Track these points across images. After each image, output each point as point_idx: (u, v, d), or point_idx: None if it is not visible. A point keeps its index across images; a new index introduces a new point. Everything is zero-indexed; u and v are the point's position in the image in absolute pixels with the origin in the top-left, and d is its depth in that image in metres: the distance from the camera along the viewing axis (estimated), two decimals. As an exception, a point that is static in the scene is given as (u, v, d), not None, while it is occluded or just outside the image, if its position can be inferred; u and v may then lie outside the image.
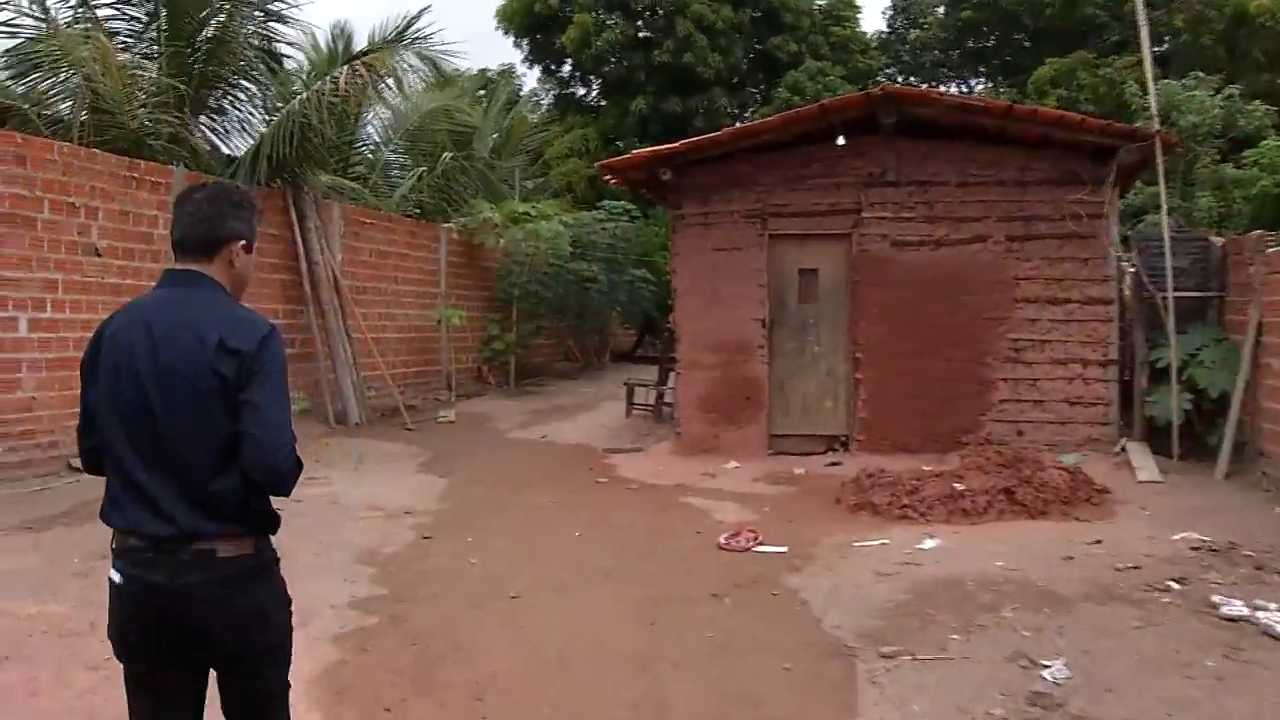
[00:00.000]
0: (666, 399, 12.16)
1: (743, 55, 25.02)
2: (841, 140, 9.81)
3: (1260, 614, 4.77)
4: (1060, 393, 9.51)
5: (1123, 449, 9.13)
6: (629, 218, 18.04)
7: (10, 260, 8.11)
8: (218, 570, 2.34)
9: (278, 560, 2.54)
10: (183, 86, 11.05)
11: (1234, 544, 6.16)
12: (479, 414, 13.51)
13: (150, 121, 10.67)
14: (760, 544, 6.71)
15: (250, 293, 2.76)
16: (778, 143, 10.09)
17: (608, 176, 11.68)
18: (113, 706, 3.47)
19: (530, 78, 29.08)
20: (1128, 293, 9.85)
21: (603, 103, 25.81)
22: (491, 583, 5.89)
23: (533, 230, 15.29)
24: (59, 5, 11.17)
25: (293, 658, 2.61)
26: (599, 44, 23.43)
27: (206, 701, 2.54)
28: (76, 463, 7.28)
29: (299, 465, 2.38)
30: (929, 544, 6.55)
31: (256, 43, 12.50)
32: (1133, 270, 9.81)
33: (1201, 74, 14.02)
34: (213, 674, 2.51)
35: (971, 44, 30.37)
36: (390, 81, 13.85)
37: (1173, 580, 5.46)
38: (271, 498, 2.45)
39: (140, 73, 11.10)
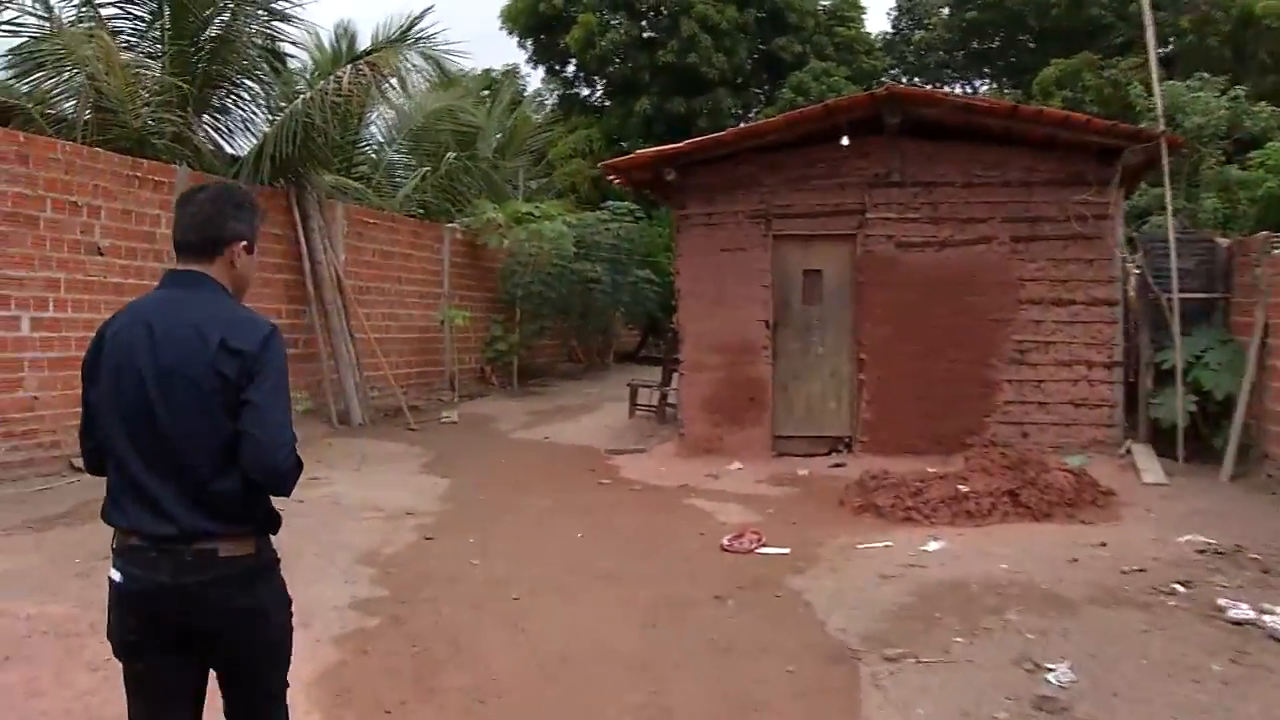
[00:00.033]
0: (670, 400, 12.13)
1: (747, 56, 24.99)
2: (846, 141, 9.76)
3: (1267, 618, 4.74)
4: (1065, 394, 9.48)
5: (1128, 451, 9.10)
6: (633, 218, 18.03)
7: (13, 259, 8.10)
8: (219, 570, 2.35)
9: (278, 561, 2.54)
10: (186, 85, 11.05)
11: (1240, 547, 6.13)
12: (482, 414, 13.50)
13: (153, 120, 10.67)
14: (763, 546, 6.68)
15: (253, 292, 2.76)
16: (782, 143, 10.06)
17: (612, 176, 11.65)
18: (112, 707, 3.46)
19: (534, 78, 29.16)
20: (1132, 294, 9.81)
21: (607, 103, 25.82)
22: (493, 584, 5.87)
23: (536, 231, 15.29)
24: (62, 4, 11.19)
25: (292, 659, 2.61)
26: (603, 44, 23.43)
27: (206, 701, 2.54)
28: (79, 462, 7.28)
29: (299, 465, 2.38)
30: (933, 546, 6.52)
31: (260, 42, 12.49)
32: (1138, 272, 9.78)
33: (1207, 75, 14.01)
34: (213, 674, 2.52)
35: (976, 45, 30.34)
36: (394, 81, 13.86)
37: (1179, 583, 5.42)
38: (273, 498, 2.45)
39: (144, 72, 11.08)
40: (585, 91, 26.99)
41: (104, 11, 11.62)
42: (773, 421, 10.14)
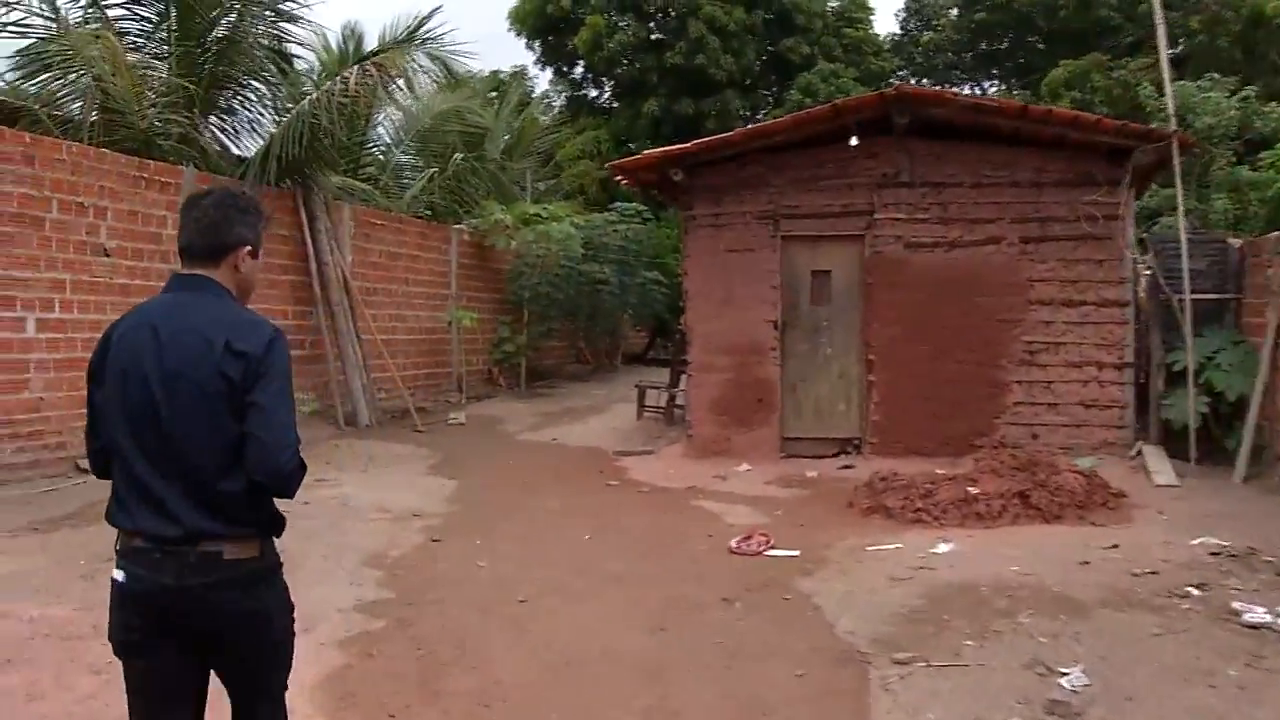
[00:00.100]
0: (678, 401, 12.10)
1: (755, 57, 24.93)
2: (854, 141, 9.72)
3: (1283, 621, 4.68)
4: (1075, 396, 9.43)
5: (1139, 452, 9.03)
6: (641, 219, 17.98)
7: (18, 260, 8.10)
8: (223, 573, 2.36)
9: (281, 564, 2.56)
10: (193, 87, 11.05)
11: (1254, 549, 6.06)
12: (489, 416, 13.48)
13: (160, 122, 10.67)
14: (772, 548, 6.64)
15: (259, 293, 2.76)
16: (790, 144, 10.03)
17: (619, 177, 11.63)
18: (114, 710, 3.43)
19: (542, 79, 29.13)
20: (1143, 295, 9.75)
21: (615, 105, 25.79)
22: (499, 586, 5.84)
23: (544, 232, 15.26)
24: (69, 5, 11.20)
25: (297, 662, 2.63)
26: (611, 46, 23.39)
27: (207, 702, 2.54)
28: (84, 464, 7.29)
29: (302, 467, 2.40)
30: (943, 548, 6.46)
31: (267, 43, 12.49)
32: (1148, 272, 9.71)
33: (1217, 76, 13.93)
34: (213, 675, 2.53)
35: (985, 46, 30.21)
36: (401, 82, 13.79)
37: (1192, 586, 5.36)
38: (279, 499, 2.46)
39: (150, 73, 11.08)
40: (593, 93, 26.97)
41: (110, 12, 11.65)
42: (781, 423, 10.10)
